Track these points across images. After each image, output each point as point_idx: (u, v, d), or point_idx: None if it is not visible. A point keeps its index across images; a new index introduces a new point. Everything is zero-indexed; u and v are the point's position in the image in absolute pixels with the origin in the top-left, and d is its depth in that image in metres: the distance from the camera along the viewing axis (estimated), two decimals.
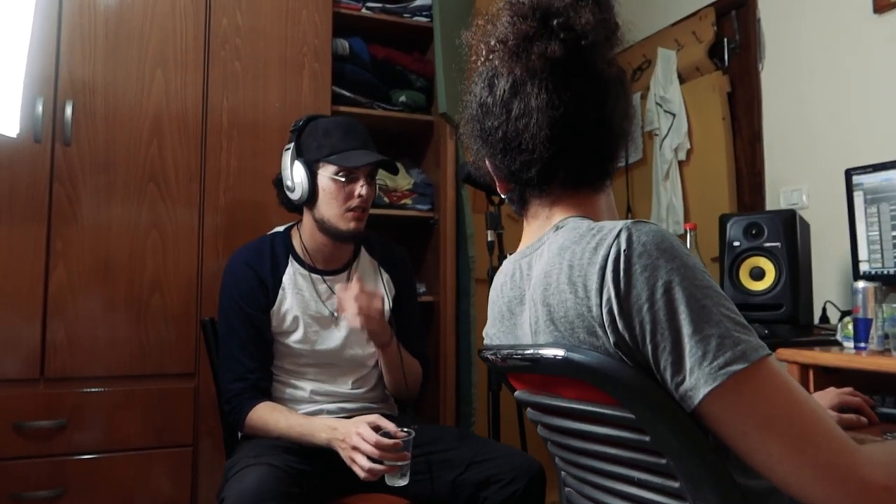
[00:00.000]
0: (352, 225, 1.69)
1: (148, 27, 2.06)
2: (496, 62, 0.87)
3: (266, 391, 1.68)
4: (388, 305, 1.80)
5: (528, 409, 0.94)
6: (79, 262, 1.94)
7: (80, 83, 1.97)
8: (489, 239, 1.75)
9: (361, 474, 1.43)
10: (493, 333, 0.99)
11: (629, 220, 0.76)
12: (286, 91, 2.23)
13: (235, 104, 2.15)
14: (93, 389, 1.92)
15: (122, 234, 1.99)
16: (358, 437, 1.44)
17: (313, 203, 1.71)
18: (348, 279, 1.77)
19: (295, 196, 1.71)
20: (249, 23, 2.18)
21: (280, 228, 1.84)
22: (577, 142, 0.86)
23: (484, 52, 0.90)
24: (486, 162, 0.95)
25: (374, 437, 1.43)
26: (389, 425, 1.47)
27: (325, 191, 1.69)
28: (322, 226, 1.72)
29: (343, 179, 1.67)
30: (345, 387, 1.76)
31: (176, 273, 2.04)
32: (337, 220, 1.69)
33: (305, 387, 1.73)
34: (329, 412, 1.71)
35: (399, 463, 1.45)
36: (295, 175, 1.70)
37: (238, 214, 2.12)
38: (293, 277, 1.74)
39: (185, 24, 2.10)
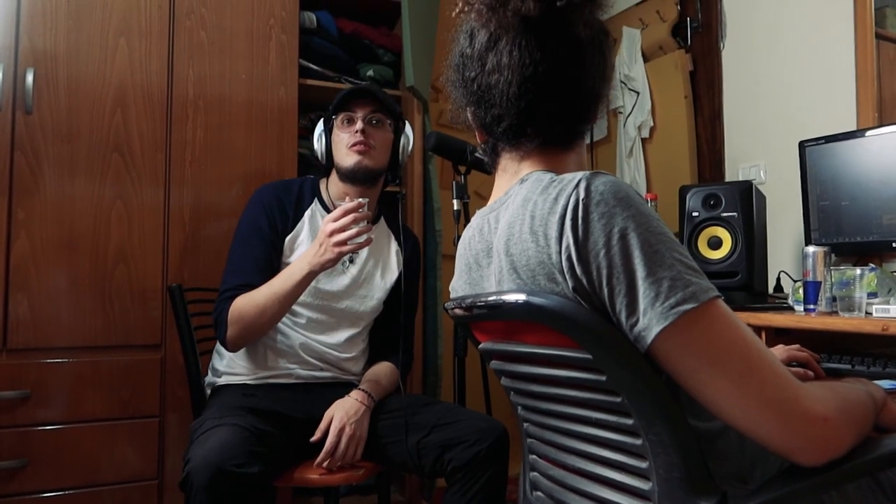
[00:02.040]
0: (354, 158, 1.77)
1: None
2: (473, 15, 0.88)
3: None
4: (394, 275, 1.88)
5: (493, 361, 0.97)
6: (42, 233, 1.91)
7: (42, 51, 1.94)
8: (455, 208, 1.77)
9: (348, 248, 1.54)
10: (460, 286, 1.02)
11: (588, 172, 0.79)
12: (253, 63, 2.21)
13: (201, 75, 2.14)
14: (57, 360, 1.91)
15: (86, 205, 1.97)
16: (330, 224, 1.54)
17: (332, 156, 1.82)
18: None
19: (319, 155, 1.84)
20: None
21: (311, 176, 1.92)
22: (545, 101, 0.87)
23: (461, 4, 0.90)
24: (466, 111, 0.97)
25: (338, 210, 1.55)
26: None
27: (334, 141, 1.80)
28: (339, 172, 1.81)
29: (345, 123, 1.79)
30: (333, 339, 1.78)
31: (141, 244, 2.03)
32: (343, 159, 1.78)
33: (295, 339, 1.74)
34: (298, 376, 1.73)
35: (365, 223, 1.58)
36: (318, 139, 1.84)
37: (204, 185, 2.11)
38: (314, 215, 1.81)
39: None
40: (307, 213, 1.80)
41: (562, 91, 0.88)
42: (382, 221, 1.94)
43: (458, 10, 0.91)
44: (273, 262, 1.73)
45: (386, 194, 1.97)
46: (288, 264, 1.73)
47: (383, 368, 1.81)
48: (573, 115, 0.91)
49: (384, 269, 1.88)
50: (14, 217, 1.89)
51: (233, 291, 1.65)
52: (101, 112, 2.00)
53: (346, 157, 1.77)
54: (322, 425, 1.60)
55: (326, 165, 1.84)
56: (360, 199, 1.57)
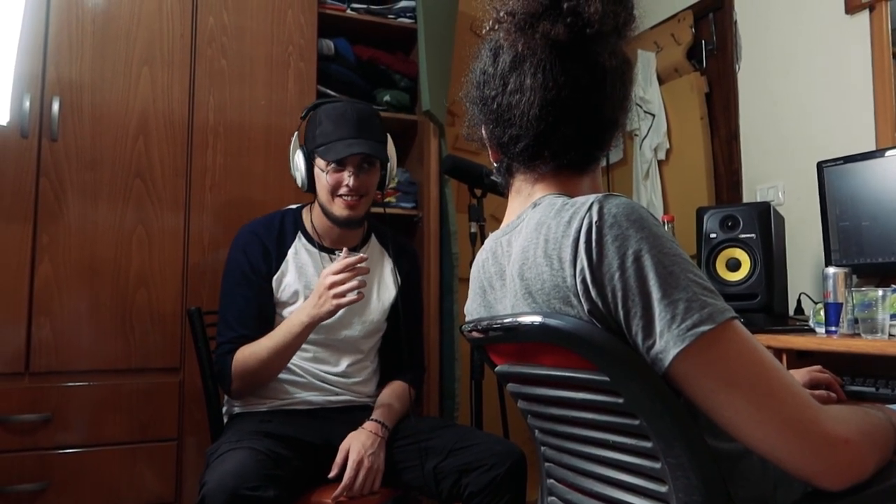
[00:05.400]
0: (344, 212, 1.74)
1: (135, 26, 2.08)
2: (501, 33, 0.88)
3: None
4: (391, 292, 1.86)
5: (509, 384, 0.97)
6: (65, 258, 1.95)
7: (67, 80, 1.98)
8: (472, 231, 1.78)
9: (347, 301, 1.55)
10: (474, 309, 1.02)
11: (600, 194, 0.79)
12: (272, 89, 2.25)
13: (222, 102, 2.17)
14: (78, 384, 1.93)
15: (108, 230, 2.00)
16: (330, 277, 1.55)
17: (314, 189, 1.78)
18: None
19: (299, 183, 1.80)
20: (236, 22, 2.21)
21: (293, 206, 1.90)
22: (564, 125, 0.87)
23: (491, 22, 0.91)
24: (482, 129, 0.97)
25: (338, 264, 1.56)
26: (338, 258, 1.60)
27: (318, 179, 1.76)
28: (323, 210, 1.78)
29: (332, 167, 1.72)
30: (339, 367, 1.78)
31: (161, 269, 2.05)
32: (329, 205, 1.75)
33: (303, 371, 1.74)
34: (312, 402, 1.73)
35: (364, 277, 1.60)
36: (296, 162, 1.79)
37: (224, 211, 2.14)
38: (298, 252, 1.79)
39: (171, 23, 2.12)
40: (290, 252, 1.78)
41: (581, 117, 0.88)
42: (374, 239, 1.92)
43: (487, 28, 0.91)
44: (264, 307, 1.73)
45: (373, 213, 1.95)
46: (281, 304, 1.74)
47: (395, 390, 1.80)
48: (590, 140, 0.91)
49: (380, 288, 1.87)
50: (38, 242, 1.92)
51: (230, 345, 1.67)
52: (123, 139, 2.04)
53: (336, 206, 1.74)
54: (338, 459, 1.59)
55: (308, 191, 1.80)
56: (361, 255, 1.60)
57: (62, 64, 1.98)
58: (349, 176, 1.71)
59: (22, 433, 1.85)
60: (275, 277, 1.74)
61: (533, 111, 0.86)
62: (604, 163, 0.96)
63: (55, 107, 1.94)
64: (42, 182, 1.94)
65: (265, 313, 1.73)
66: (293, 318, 1.62)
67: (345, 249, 1.63)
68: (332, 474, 1.57)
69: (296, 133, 1.83)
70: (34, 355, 1.89)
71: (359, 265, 1.57)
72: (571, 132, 0.88)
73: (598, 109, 0.88)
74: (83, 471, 1.90)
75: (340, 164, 1.72)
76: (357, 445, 1.59)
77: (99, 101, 2.02)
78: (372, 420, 1.68)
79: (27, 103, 1.90)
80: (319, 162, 1.74)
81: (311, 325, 1.60)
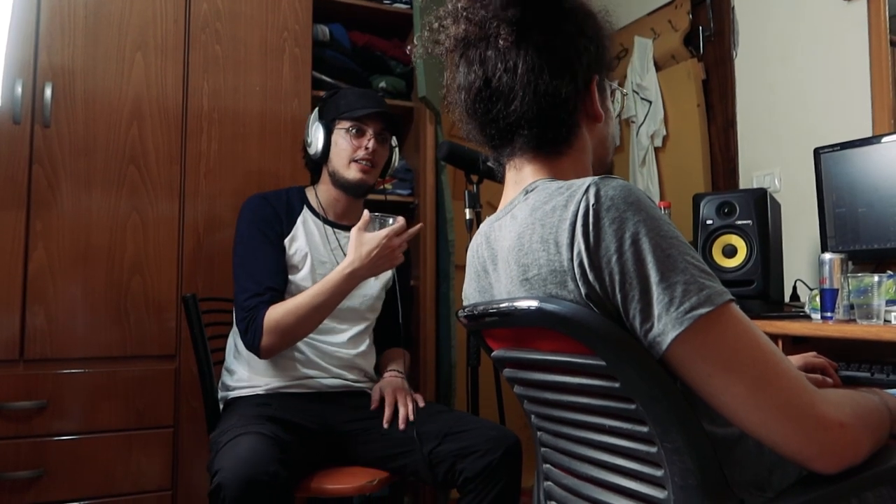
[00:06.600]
0: (358, 175, 1.82)
1: (128, 11, 2.05)
2: (462, 27, 0.91)
3: None
4: (387, 274, 1.90)
5: (506, 369, 0.97)
6: (59, 245, 1.93)
7: (60, 66, 1.96)
8: (468, 217, 1.77)
9: (400, 260, 1.70)
10: (470, 292, 1.02)
11: (597, 177, 0.78)
12: (266, 75, 2.23)
13: (216, 88, 2.16)
14: (73, 371, 1.92)
15: (102, 217, 1.99)
16: (396, 239, 1.65)
17: (327, 157, 1.84)
18: None
19: (312, 151, 1.87)
20: (230, 7, 2.19)
21: (295, 186, 1.95)
22: (511, 108, 0.89)
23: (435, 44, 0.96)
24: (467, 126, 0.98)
25: (411, 231, 1.68)
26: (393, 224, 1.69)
27: (336, 144, 1.84)
28: (334, 178, 1.85)
29: (353, 132, 1.82)
30: (341, 339, 1.81)
31: (157, 256, 2.04)
32: (344, 170, 1.83)
33: (307, 345, 1.76)
34: (310, 385, 1.74)
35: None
36: (314, 132, 1.87)
37: (218, 197, 2.13)
38: (306, 221, 1.84)
39: (164, 8, 2.10)
40: (300, 219, 1.83)
41: (521, 97, 0.88)
42: None
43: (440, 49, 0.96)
44: (282, 265, 1.76)
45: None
46: (291, 267, 1.77)
47: (395, 352, 1.93)
48: (555, 119, 0.91)
49: None
50: (32, 229, 1.91)
51: (257, 299, 1.67)
52: (117, 125, 2.02)
53: (349, 170, 1.83)
54: (375, 396, 1.74)
55: (318, 162, 1.88)
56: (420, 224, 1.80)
57: (54, 49, 1.96)
58: (369, 140, 1.82)
59: (17, 420, 1.84)
60: (287, 239, 1.79)
61: (484, 103, 0.90)
62: (588, 142, 0.96)
63: (47, 93, 1.92)
64: (35, 169, 1.92)
65: (283, 270, 1.76)
66: (338, 277, 1.64)
67: (399, 218, 1.70)
68: (373, 406, 1.72)
69: (316, 109, 1.92)
70: (28, 342, 1.89)
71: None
72: (534, 115, 0.89)
73: (535, 87, 0.88)
74: (79, 458, 1.90)
75: (361, 132, 1.83)
76: (388, 387, 1.75)
77: (92, 87, 2.00)
78: (389, 370, 1.85)
79: (19, 89, 1.88)
80: (343, 124, 1.83)
81: (355, 283, 1.68)
